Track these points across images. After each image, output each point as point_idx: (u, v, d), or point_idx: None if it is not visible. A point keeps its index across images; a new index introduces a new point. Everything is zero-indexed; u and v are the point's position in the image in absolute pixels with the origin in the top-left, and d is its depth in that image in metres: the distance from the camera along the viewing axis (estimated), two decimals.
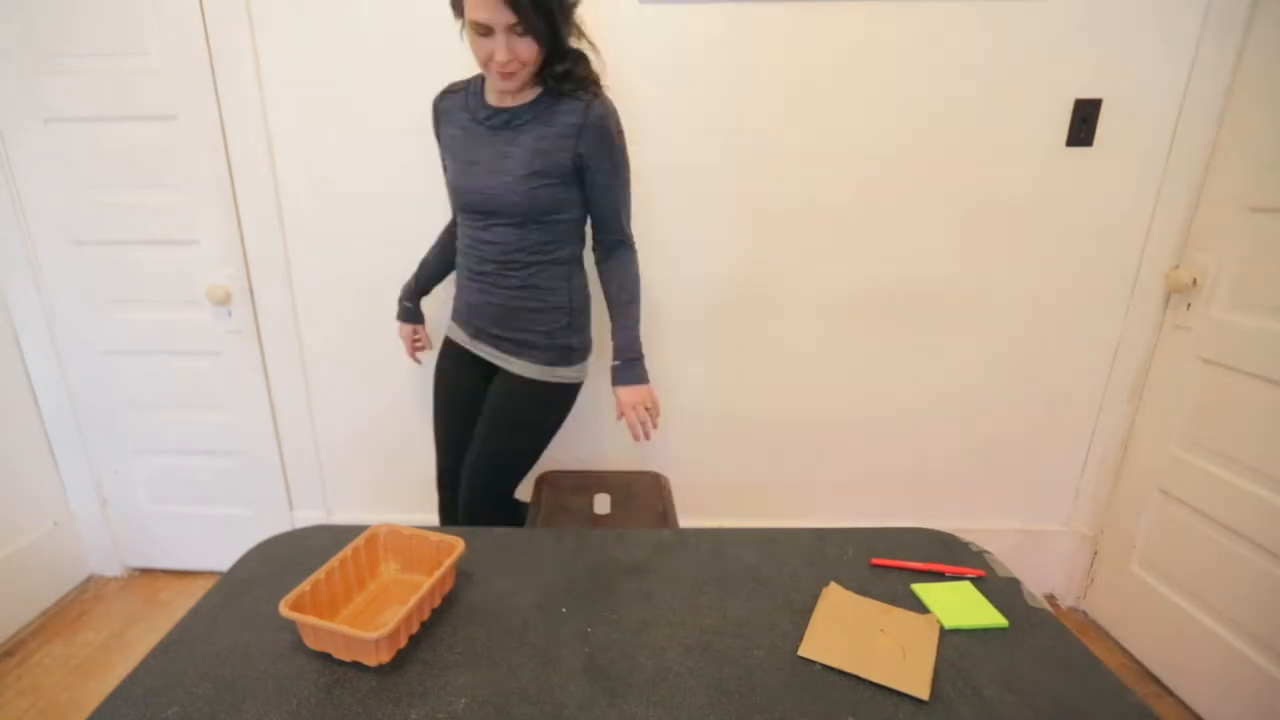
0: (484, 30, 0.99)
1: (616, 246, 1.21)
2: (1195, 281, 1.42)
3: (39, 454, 1.70)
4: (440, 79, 1.42)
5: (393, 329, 1.62)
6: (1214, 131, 1.38)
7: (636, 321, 1.20)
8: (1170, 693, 1.45)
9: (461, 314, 1.27)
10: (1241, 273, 1.33)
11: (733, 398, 1.64)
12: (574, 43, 1.08)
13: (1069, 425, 1.66)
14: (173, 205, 1.53)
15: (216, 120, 1.46)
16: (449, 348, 1.32)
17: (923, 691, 0.61)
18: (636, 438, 1.17)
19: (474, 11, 0.97)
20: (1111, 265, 1.52)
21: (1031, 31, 1.37)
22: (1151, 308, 1.51)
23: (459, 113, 1.17)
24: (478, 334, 1.24)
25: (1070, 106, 1.41)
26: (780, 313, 1.58)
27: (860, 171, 1.48)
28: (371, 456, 1.74)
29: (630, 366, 1.18)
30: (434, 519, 1.41)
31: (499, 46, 0.99)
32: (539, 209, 1.12)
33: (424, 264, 1.39)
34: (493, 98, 1.13)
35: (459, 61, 1.41)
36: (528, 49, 1.01)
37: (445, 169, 1.24)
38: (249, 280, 1.58)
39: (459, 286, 1.27)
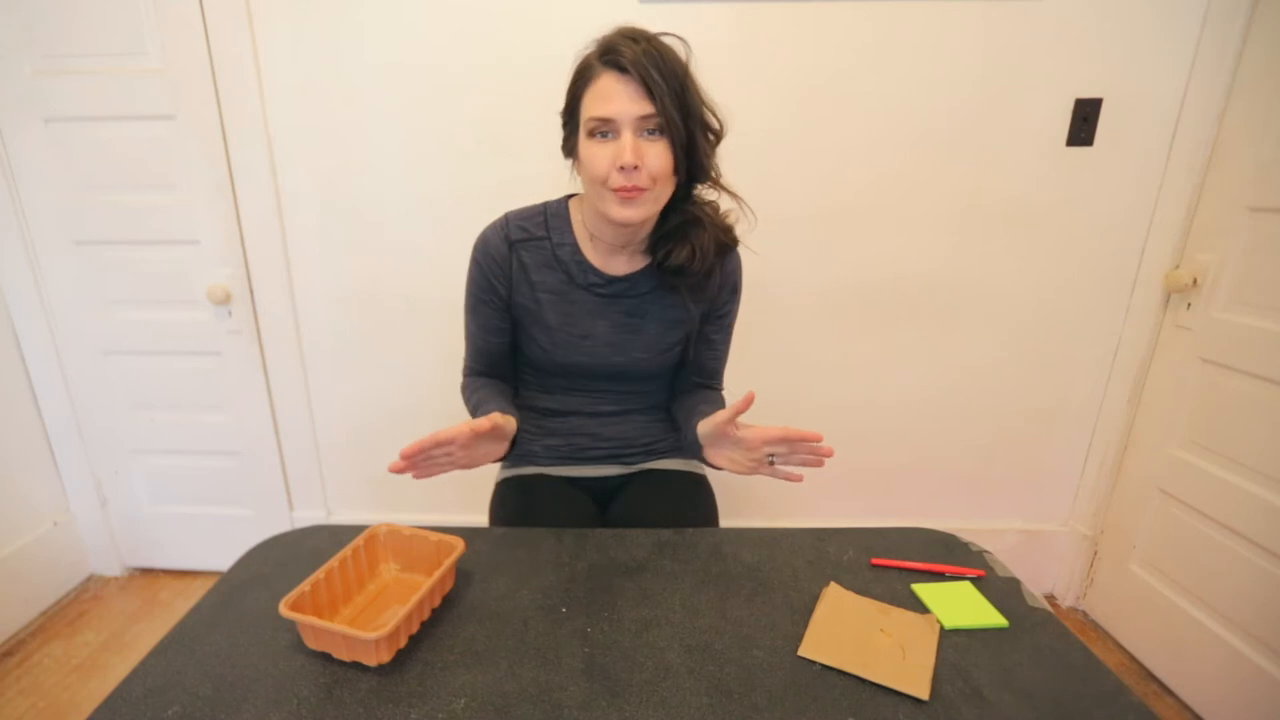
0: (607, 130, 0.79)
1: (709, 391, 1.05)
2: (1195, 281, 1.42)
3: (39, 454, 1.70)
4: (439, 78, 1.43)
5: (391, 328, 1.62)
6: (1214, 131, 1.38)
7: None
8: (1170, 693, 1.45)
9: (561, 450, 1.06)
10: (1241, 273, 1.33)
11: (731, 397, 1.63)
12: (709, 193, 0.91)
13: (1069, 425, 1.66)
14: (173, 205, 1.53)
15: (216, 120, 1.46)
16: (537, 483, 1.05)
17: (923, 691, 0.60)
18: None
19: (598, 105, 0.79)
20: (1112, 265, 1.52)
21: (1032, 31, 1.37)
22: (1151, 307, 1.51)
23: (547, 271, 0.94)
24: (601, 459, 1.06)
25: (1070, 106, 1.41)
26: (780, 312, 1.58)
27: (860, 171, 1.48)
28: (371, 456, 1.74)
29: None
30: (433, 519, 1.40)
31: (624, 147, 0.78)
32: (675, 366, 1.03)
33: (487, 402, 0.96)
34: (597, 259, 0.94)
35: (458, 60, 1.42)
36: (659, 158, 0.80)
37: (483, 321, 0.98)
38: (249, 280, 1.58)
39: (545, 430, 1.06)
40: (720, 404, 1.01)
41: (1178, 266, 1.47)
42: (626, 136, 0.79)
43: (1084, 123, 1.42)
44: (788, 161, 1.47)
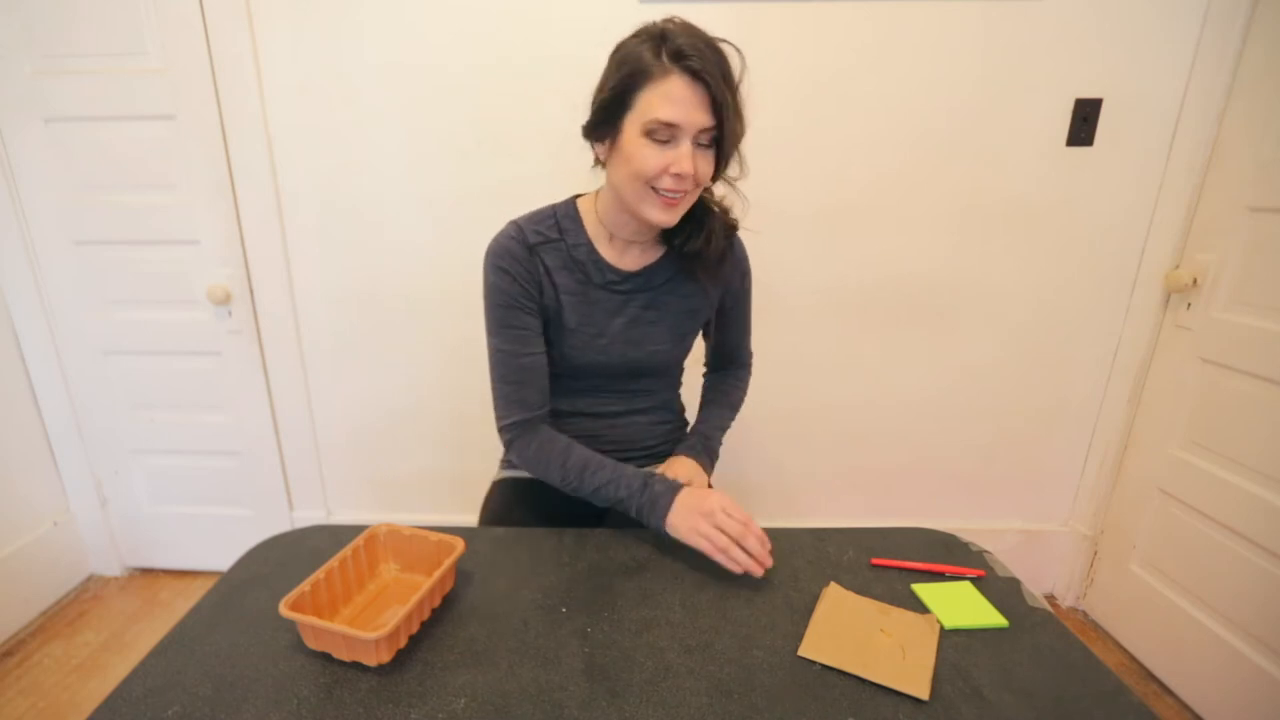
0: (667, 135, 0.78)
1: (738, 367, 1.13)
2: (1195, 281, 1.42)
3: (39, 454, 1.70)
4: (439, 78, 1.43)
5: (391, 328, 1.62)
6: (1214, 131, 1.38)
7: (725, 428, 1.10)
8: (1170, 693, 1.45)
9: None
10: (1241, 273, 1.33)
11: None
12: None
13: (1069, 425, 1.66)
14: (173, 205, 1.53)
15: (216, 120, 1.46)
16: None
17: (923, 691, 0.60)
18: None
19: (661, 108, 0.77)
20: (1112, 265, 1.52)
21: (1032, 31, 1.37)
22: (1151, 307, 1.51)
23: (565, 273, 0.92)
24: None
25: (1070, 106, 1.41)
26: (781, 311, 1.58)
27: (860, 171, 1.48)
28: (371, 456, 1.74)
29: (704, 449, 1.04)
30: (433, 519, 1.40)
31: (683, 156, 0.78)
32: (685, 357, 1.05)
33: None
34: (613, 256, 0.94)
35: (458, 60, 1.42)
36: (708, 167, 0.82)
37: (503, 323, 0.92)
38: (249, 280, 1.58)
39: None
40: (736, 387, 1.11)
41: (1178, 266, 1.47)
42: (686, 145, 0.78)
43: (1084, 123, 1.42)
44: (788, 161, 1.47)
